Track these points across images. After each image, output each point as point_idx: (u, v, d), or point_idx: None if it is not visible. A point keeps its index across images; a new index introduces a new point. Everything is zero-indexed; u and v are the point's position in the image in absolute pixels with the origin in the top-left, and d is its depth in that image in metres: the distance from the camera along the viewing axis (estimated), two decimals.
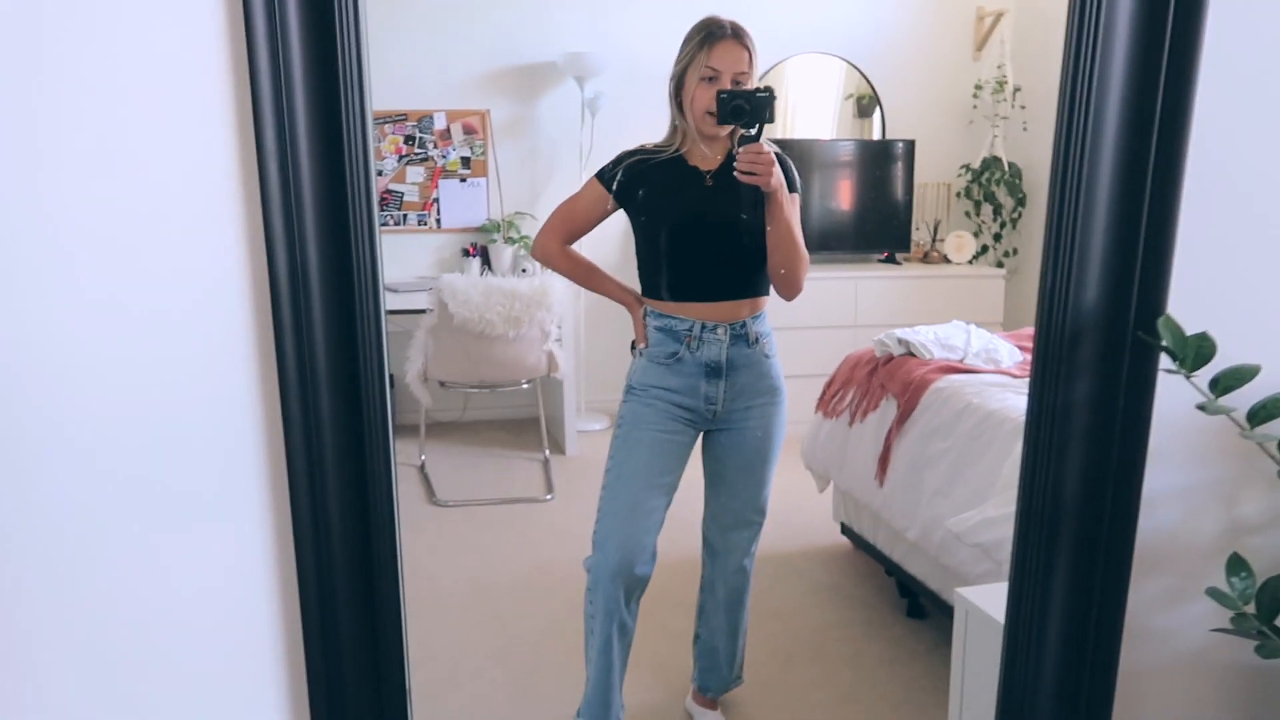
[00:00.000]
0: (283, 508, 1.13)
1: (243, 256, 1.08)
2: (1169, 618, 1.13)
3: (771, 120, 1.74)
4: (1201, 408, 0.94)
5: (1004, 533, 2.24)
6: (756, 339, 1.97)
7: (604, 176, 1.96)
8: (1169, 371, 0.97)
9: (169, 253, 1.07)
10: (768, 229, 1.83)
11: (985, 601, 1.67)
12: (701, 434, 2.05)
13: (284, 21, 0.98)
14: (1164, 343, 0.95)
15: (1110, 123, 1.00)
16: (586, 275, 2.07)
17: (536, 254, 2.06)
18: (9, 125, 1.00)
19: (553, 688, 2.45)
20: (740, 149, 1.74)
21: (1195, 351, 0.94)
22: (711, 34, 1.83)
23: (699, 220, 1.89)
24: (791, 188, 1.88)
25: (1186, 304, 1.03)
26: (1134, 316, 1.01)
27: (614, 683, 2.03)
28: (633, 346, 2.04)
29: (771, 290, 1.97)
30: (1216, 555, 1.09)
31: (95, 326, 1.06)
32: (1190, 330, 0.98)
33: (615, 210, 1.99)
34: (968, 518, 2.33)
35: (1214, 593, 0.97)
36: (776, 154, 1.83)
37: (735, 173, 1.73)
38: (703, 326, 1.92)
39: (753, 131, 1.74)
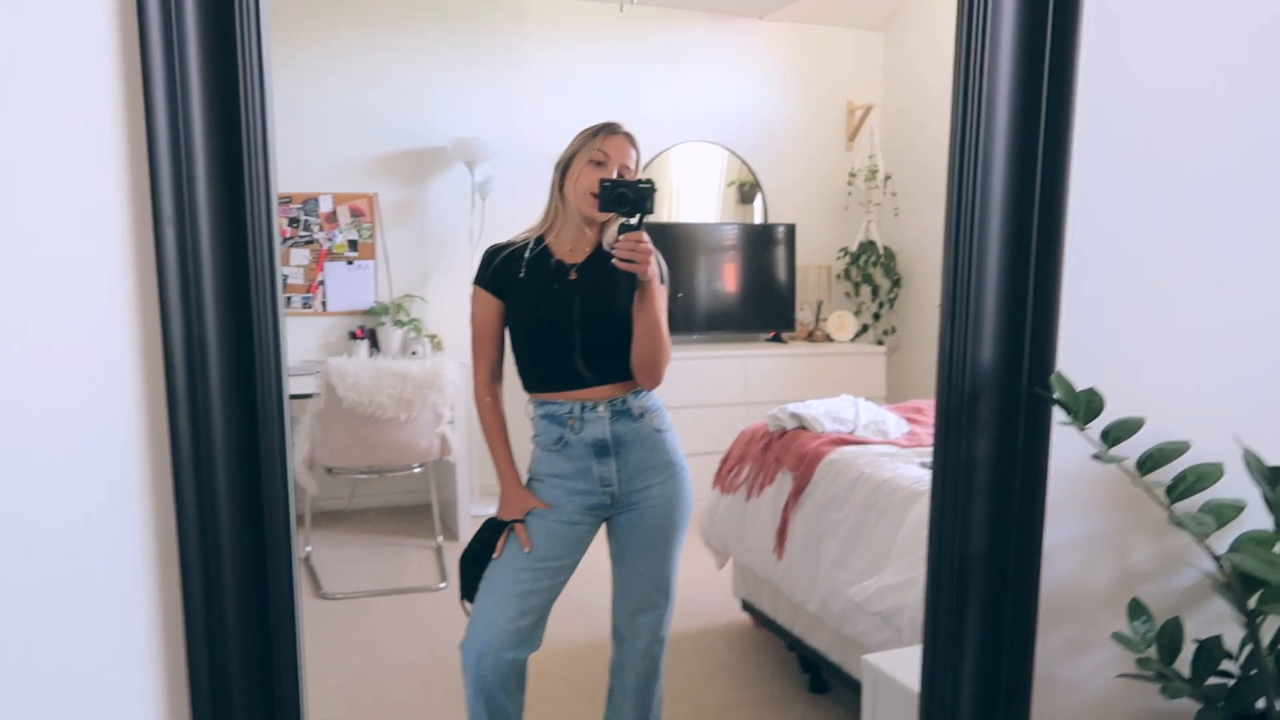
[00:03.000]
0: (173, 608, 1.06)
1: (132, 325, 1.02)
2: (1075, 667, 1.17)
3: (651, 211, 1.79)
4: (1096, 458, 0.99)
5: (903, 599, 2.28)
6: (642, 413, 1.97)
7: (481, 280, 1.98)
8: (1065, 424, 1.02)
9: (51, 324, 1.00)
10: (635, 318, 1.86)
11: (892, 668, 1.69)
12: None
13: (184, 76, 0.95)
14: (1057, 396, 1.00)
15: (995, 201, 1.07)
16: (492, 430, 2.00)
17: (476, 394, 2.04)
18: None
19: None
20: (620, 236, 1.79)
21: (1086, 405, 0.99)
22: (607, 127, 1.94)
23: (564, 315, 1.90)
24: (660, 279, 1.92)
25: (1074, 363, 1.09)
26: (1028, 374, 1.06)
27: None
28: (489, 525, 1.97)
29: None
30: (1114, 603, 1.14)
31: None
32: (1079, 387, 1.03)
33: None
34: (867, 586, 2.37)
35: (1119, 637, 1.00)
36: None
37: (614, 260, 1.77)
38: (583, 407, 1.93)
39: (634, 220, 1.78)
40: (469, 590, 1.97)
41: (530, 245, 1.95)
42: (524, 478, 2.00)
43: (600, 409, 1.93)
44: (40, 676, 1.04)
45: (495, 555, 1.94)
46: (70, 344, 1.01)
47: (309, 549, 3.74)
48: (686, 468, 2.05)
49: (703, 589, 3.48)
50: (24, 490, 1.01)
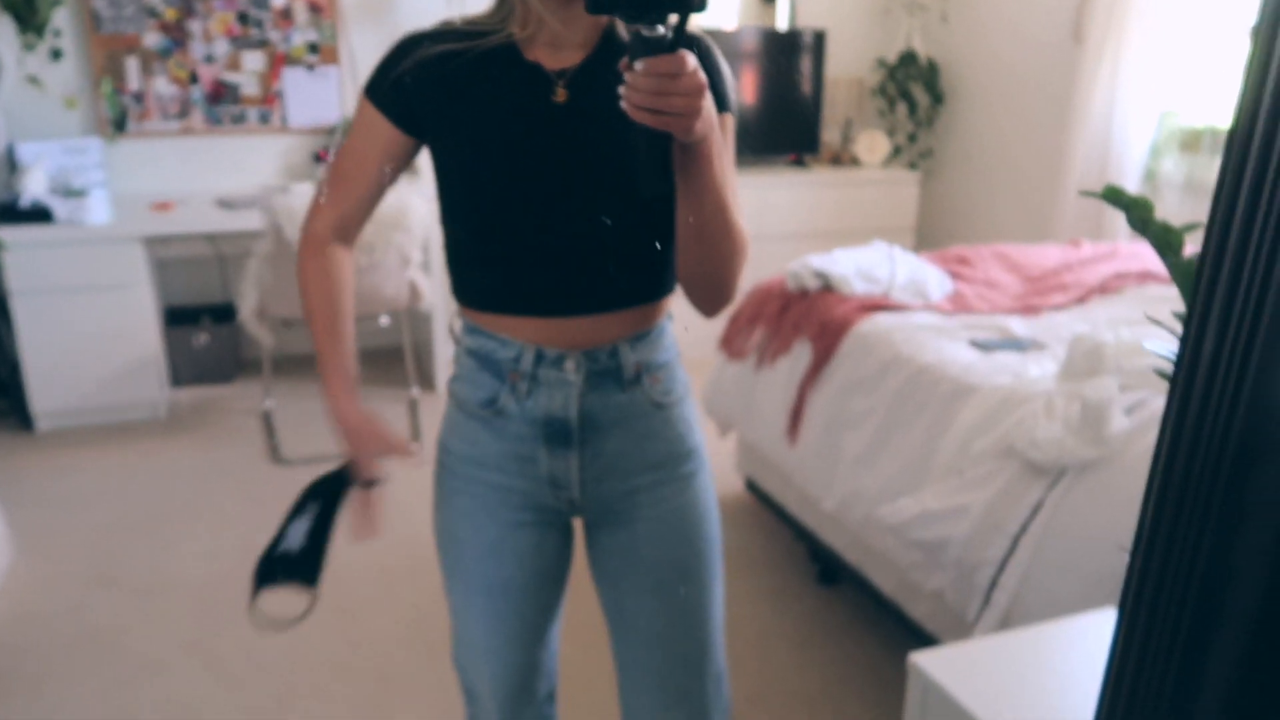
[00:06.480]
0: None
1: None
2: None
3: (703, 8, 0.81)
4: None
5: (948, 531, 1.79)
6: (638, 376, 1.10)
7: (377, 91, 1.06)
8: None
9: None
10: (681, 198, 0.96)
11: (948, 675, 1.21)
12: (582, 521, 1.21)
13: None
14: None
15: None
16: (317, 313, 1.12)
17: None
18: None
19: (409, 704, 1.95)
20: (639, 61, 0.82)
21: None
22: None
23: (537, 166, 1.03)
24: (723, 106, 1.01)
25: None
26: None
27: None
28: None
29: (680, 292, 1.11)
30: None
31: None
32: None
33: (417, 150, 1.10)
34: (903, 508, 1.87)
35: None
36: (701, 47, 1.02)
37: (624, 104, 0.84)
38: (538, 356, 1.07)
39: (661, 30, 0.81)
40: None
41: (482, 36, 1.04)
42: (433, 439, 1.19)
43: (569, 364, 1.07)
44: None
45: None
46: None
47: (269, 403, 3.27)
48: (705, 454, 1.19)
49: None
50: None
